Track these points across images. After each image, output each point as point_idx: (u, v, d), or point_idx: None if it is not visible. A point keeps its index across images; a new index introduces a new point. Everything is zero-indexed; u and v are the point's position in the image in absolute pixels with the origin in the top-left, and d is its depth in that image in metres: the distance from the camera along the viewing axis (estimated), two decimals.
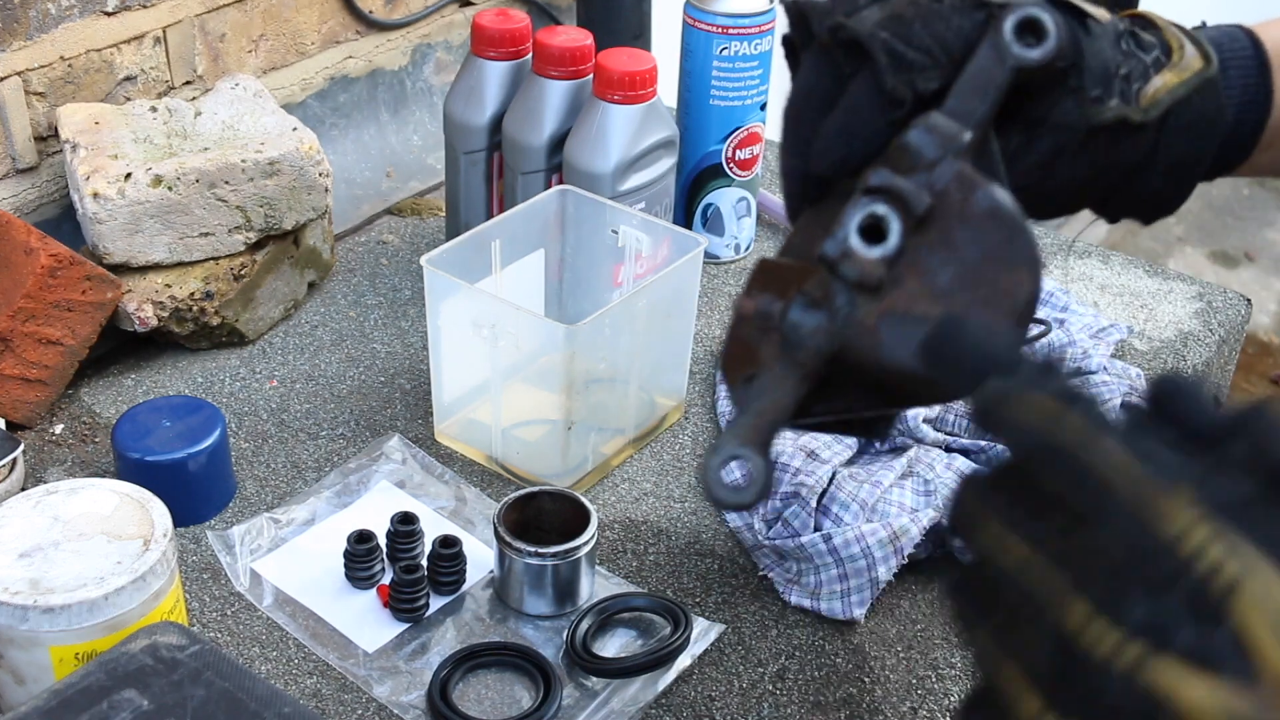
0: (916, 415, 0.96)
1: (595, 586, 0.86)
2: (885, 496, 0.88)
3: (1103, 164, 0.58)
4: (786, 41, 0.60)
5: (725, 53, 1.13)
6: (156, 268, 1.05)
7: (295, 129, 1.08)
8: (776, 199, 1.28)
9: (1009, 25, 0.54)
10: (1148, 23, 0.60)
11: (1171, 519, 0.37)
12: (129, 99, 1.13)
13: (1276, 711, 0.35)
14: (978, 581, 0.44)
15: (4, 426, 0.93)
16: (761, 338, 0.54)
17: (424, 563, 0.86)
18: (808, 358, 0.52)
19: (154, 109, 1.09)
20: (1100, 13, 0.57)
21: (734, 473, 0.52)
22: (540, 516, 0.86)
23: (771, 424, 0.52)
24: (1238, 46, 0.61)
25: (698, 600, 0.87)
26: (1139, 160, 0.58)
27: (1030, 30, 0.54)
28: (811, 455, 0.91)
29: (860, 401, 0.54)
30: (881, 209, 0.52)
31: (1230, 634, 0.35)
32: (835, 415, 0.55)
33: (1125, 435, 0.39)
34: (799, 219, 0.59)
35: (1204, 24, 0.64)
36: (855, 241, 0.52)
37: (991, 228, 0.51)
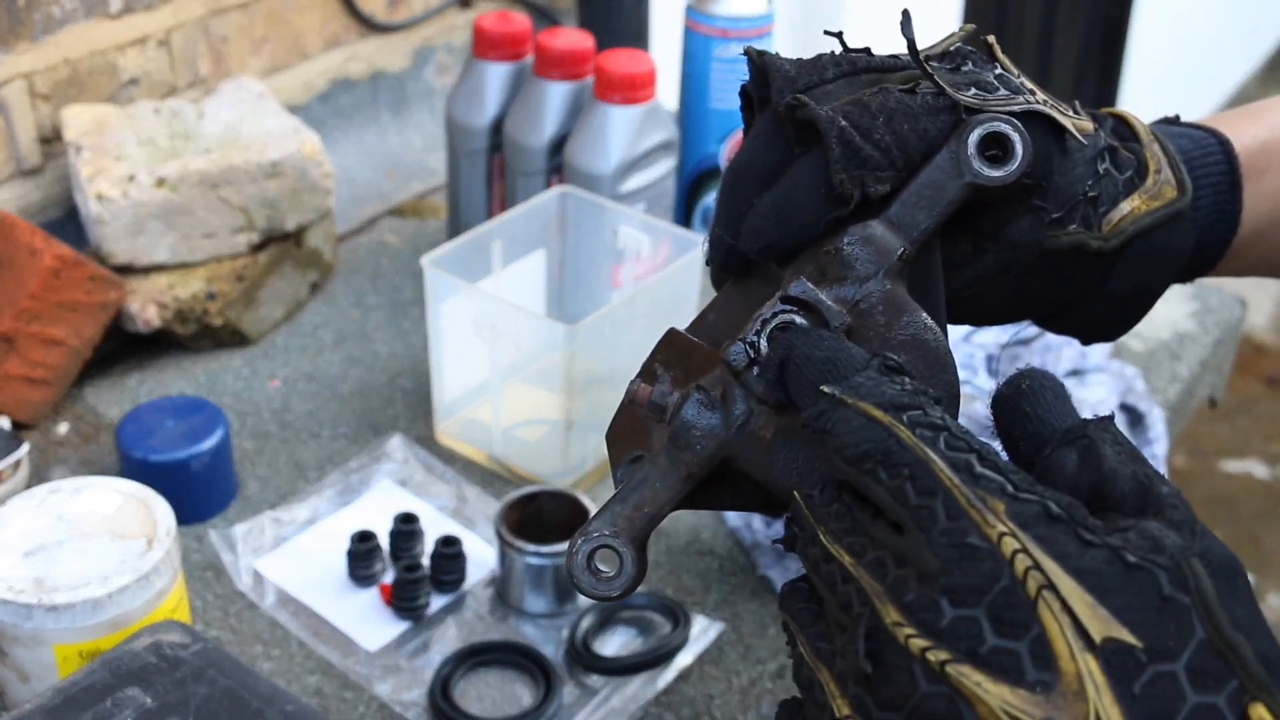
0: None
1: None
2: None
3: (1051, 286, 0.55)
4: (743, 93, 0.56)
5: (725, 55, 1.13)
6: (160, 268, 1.05)
7: (297, 131, 1.08)
8: None
9: (974, 138, 0.50)
10: (1129, 131, 0.56)
11: (984, 531, 0.39)
12: (133, 101, 1.14)
13: (1068, 714, 0.37)
14: (805, 591, 0.46)
15: (9, 426, 0.94)
16: (654, 420, 0.52)
17: (425, 561, 0.87)
18: (694, 460, 0.50)
19: (157, 111, 1.09)
20: (1084, 125, 0.53)
21: (603, 560, 0.49)
22: (540, 516, 0.87)
23: (649, 518, 0.50)
24: (1210, 162, 0.57)
25: (697, 599, 0.87)
26: (1090, 286, 0.55)
27: (997, 146, 0.50)
28: None
29: (747, 502, 0.52)
30: (798, 321, 0.49)
31: (1034, 641, 0.38)
32: (720, 508, 0.52)
33: (948, 445, 0.41)
34: (720, 290, 0.56)
35: (1177, 118, 0.59)
36: (764, 351, 0.49)
37: (911, 358, 0.49)
